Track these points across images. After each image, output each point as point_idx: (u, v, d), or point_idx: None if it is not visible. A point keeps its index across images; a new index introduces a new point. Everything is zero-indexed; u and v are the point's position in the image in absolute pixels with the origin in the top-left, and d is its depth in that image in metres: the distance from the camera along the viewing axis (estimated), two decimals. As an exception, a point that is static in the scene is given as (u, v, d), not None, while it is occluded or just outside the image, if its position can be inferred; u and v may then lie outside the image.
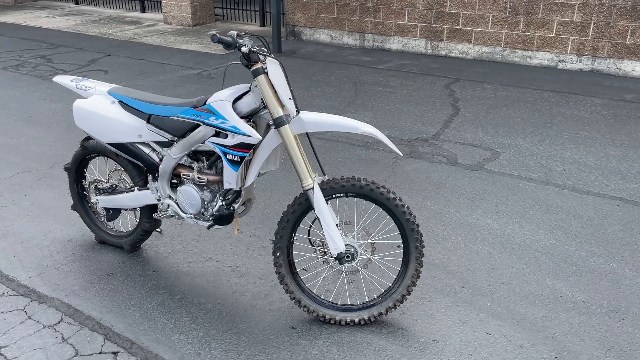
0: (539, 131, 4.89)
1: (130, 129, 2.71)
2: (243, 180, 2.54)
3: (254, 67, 2.35)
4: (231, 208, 2.63)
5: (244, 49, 2.28)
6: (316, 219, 2.46)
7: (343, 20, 8.21)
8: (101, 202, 3.03)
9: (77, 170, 3.14)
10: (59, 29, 9.74)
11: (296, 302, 2.56)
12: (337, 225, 2.51)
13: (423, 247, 2.48)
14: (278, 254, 2.53)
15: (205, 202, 2.68)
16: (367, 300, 2.63)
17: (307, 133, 2.48)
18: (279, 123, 2.35)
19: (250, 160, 2.51)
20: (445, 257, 3.09)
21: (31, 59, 7.71)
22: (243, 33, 2.41)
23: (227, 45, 2.27)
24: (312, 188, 2.39)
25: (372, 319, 2.53)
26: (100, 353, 2.41)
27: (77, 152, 3.08)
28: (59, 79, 2.96)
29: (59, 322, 2.60)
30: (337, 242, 2.40)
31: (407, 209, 2.44)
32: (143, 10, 11.31)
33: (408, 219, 2.44)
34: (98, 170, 3.82)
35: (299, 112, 2.41)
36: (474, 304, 2.71)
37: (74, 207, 3.24)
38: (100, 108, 2.76)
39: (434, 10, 7.46)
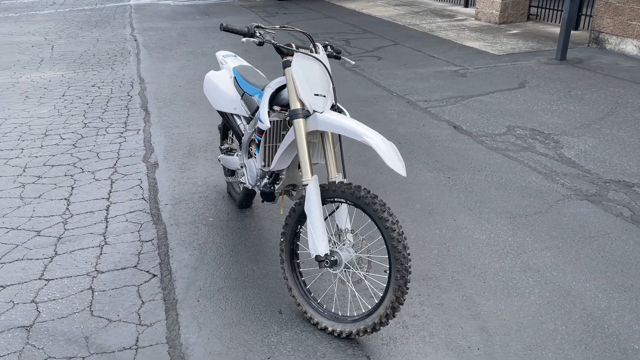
0: None
1: (230, 101, 3.15)
2: (269, 163, 2.70)
3: (282, 60, 2.47)
4: (272, 187, 2.83)
5: (253, 39, 2.42)
6: (326, 218, 2.46)
7: (657, 31, 6.77)
8: (221, 160, 3.59)
9: (223, 130, 3.78)
10: (382, 17, 10.78)
11: (288, 289, 2.62)
12: (344, 230, 2.46)
13: (405, 282, 2.22)
14: (282, 240, 2.63)
15: (258, 177, 2.94)
16: (347, 314, 2.50)
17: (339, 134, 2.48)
18: (292, 116, 2.43)
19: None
20: (495, 312, 2.60)
21: (337, 40, 8.86)
22: (278, 26, 2.53)
23: (243, 35, 2.45)
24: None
25: (343, 335, 2.41)
26: (146, 272, 3.00)
27: (223, 116, 3.70)
28: (218, 54, 3.59)
29: (149, 241, 3.30)
30: (316, 244, 2.36)
31: (397, 235, 2.21)
32: (466, 5, 11.46)
33: (394, 246, 2.21)
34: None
35: (336, 110, 2.45)
36: (470, 371, 2.27)
37: (220, 161, 3.91)
38: (219, 80, 3.27)
39: None
